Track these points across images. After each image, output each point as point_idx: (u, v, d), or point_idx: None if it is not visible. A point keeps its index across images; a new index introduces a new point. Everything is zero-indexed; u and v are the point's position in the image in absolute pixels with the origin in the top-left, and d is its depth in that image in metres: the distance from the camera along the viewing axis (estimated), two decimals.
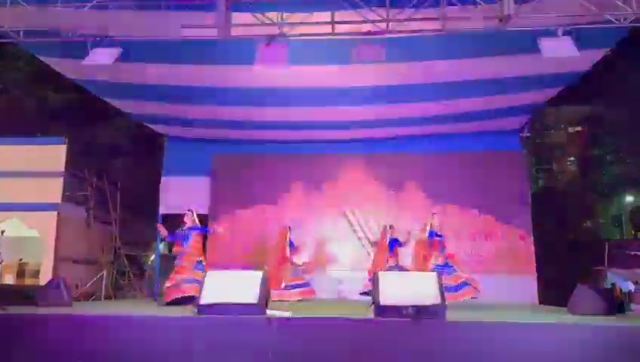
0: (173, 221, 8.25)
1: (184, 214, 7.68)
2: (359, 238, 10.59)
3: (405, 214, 10.26)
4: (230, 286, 5.24)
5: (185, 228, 7.49)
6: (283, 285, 8.68)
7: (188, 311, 5.54)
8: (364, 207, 10.70)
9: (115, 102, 9.46)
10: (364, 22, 6.30)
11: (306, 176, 10.91)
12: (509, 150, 10.62)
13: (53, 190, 9.75)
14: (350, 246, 10.58)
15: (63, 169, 9.89)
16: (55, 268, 9.35)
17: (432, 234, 8.03)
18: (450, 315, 4.95)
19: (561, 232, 12.82)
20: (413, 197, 10.50)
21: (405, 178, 10.65)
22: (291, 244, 9.16)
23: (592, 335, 4.46)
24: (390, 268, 8.28)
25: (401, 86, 8.31)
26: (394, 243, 8.59)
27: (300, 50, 6.80)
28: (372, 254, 9.36)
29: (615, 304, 6.48)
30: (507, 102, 9.05)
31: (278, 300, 8.00)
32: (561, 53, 6.19)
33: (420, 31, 6.48)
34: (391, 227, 8.83)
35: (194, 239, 7.43)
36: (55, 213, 9.65)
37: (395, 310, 4.80)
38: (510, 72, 7.80)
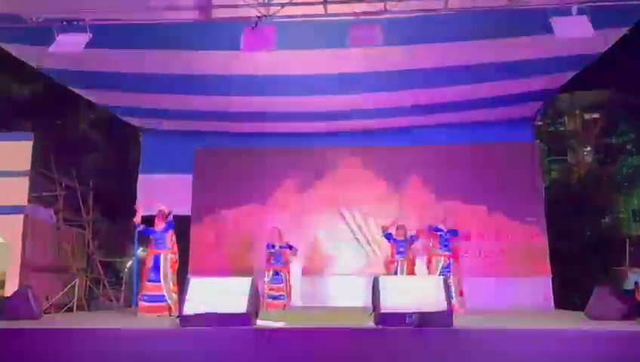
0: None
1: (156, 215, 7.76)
2: (357, 240, 10.59)
3: (408, 213, 10.27)
4: (216, 295, 5.23)
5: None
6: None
7: (169, 322, 5.54)
8: (363, 206, 10.71)
9: (86, 93, 9.40)
10: (359, 1, 6.28)
11: (298, 171, 10.90)
12: (520, 140, 10.65)
13: (18, 191, 9.67)
14: (348, 250, 10.58)
15: (29, 167, 9.81)
16: (22, 278, 9.28)
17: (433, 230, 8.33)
18: (458, 322, 4.97)
19: (578, 229, 12.88)
20: (417, 194, 10.52)
21: (408, 173, 10.67)
22: (271, 247, 9.20)
23: (613, 343, 4.49)
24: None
25: (401, 72, 8.30)
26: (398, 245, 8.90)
27: (290, 34, 6.78)
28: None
29: (638, 307, 6.52)
30: (517, 88, 9.06)
31: None
32: (575, 34, 6.19)
33: (421, 11, 6.47)
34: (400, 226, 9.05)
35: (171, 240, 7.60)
36: (21, 216, 9.58)
37: (398, 317, 4.82)
38: (520, 54, 7.81)
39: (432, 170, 10.56)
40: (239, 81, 8.54)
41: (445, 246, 8.24)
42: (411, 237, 8.90)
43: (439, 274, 7.76)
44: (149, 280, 7.35)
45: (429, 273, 8.19)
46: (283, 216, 10.46)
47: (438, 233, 8.28)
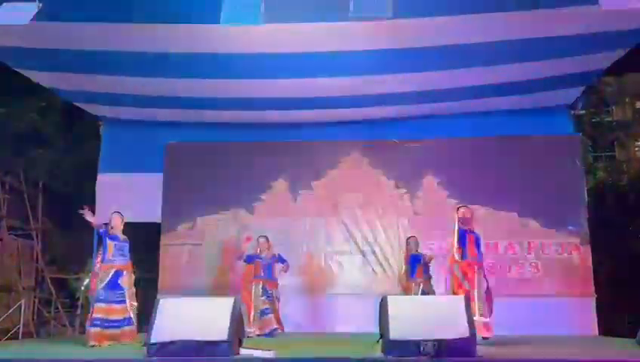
0: None
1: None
2: (362, 253, 10.60)
3: (422, 220, 10.30)
4: (191, 319, 5.22)
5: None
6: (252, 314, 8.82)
7: (134, 352, 5.52)
8: (368, 212, 10.73)
9: (34, 75, 9.37)
10: None
11: (291, 170, 10.93)
12: (558, 133, 10.69)
13: None
14: (350, 264, 10.60)
15: None
16: None
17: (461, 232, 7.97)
18: (484, 351, 4.97)
19: (629, 240, 12.86)
20: (433, 198, 10.53)
21: (422, 172, 10.71)
22: (250, 258, 9.22)
23: None
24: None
25: (414, 50, 8.29)
26: (415, 262, 8.94)
27: (281, 4, 6.78)
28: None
29: None
30: (554, 70, 9.07)
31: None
32: (624, 4, 6.20)
33: None
34: (411, 239, 9.15)
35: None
36: None
37: (410, 346, 4.81)
38: (557, 29, 7.81)
39: (451, 168, 10.60)
40: (219, 60, 8.53)
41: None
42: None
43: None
44: (113, 301, 7.26)
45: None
46: (273, 223, 10.46)
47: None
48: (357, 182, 10.83)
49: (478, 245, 7.59)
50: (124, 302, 7.24)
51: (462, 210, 7.65)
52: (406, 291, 8.97)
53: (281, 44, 8.10)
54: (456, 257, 7.44)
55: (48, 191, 12.35)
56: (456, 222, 7.56)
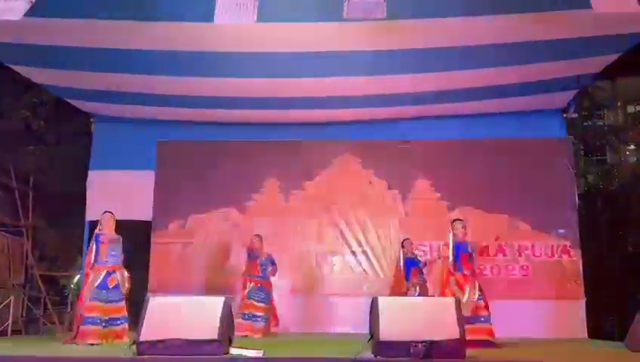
0: None
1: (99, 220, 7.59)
2: (353, 253, 10.62)
3: (413, 221, 10.34)
4: (181, 317, 5.22)
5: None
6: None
7: (124, 350, 5.51)
8: (360, 212, 10.74)
9: (25, 71, 9.34)
10: None
11: (283, 170, 10.92)
12: (550, 136, 10.73)
13: None
14: (341, 264, 10.61)
15: None
16: None
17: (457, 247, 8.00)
18: (473, 353, 4.98)
19: (619, 244, 12.92)
20: (424, 199, 10.56)
21: (413, 173, 10.73)
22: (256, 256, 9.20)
23: None
24: None
25: (407, 51, 8.32)
26: (410, 264, 9.00)
27: (275, 3, 6.78)
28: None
29: None
30: (547, 73, 9.10)
31: None
32: (617, 8, 6.23)
33: None
34: (406, 241, 9.24)
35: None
36: None
37: (400, 347, 4.82)
38: (550, 33, 7.84)
39: (443, 170, 10.62)
40: (212, 58, 8.52)
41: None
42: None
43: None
44: (108, 301, 7.24)
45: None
46: (264, 223, 10.45)
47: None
48: (349, 183, 10.84)
49: (471, 258, 7.63)
50: (120, 300, 7.28)
51: (457, 225, 7.65)
52: (405, 294, 8.91)
53: (274, 44, 8.10)
54: (452, 270, 7.46)
55: (38, 188, 12.27)
56: (451, 236, 7.60)
